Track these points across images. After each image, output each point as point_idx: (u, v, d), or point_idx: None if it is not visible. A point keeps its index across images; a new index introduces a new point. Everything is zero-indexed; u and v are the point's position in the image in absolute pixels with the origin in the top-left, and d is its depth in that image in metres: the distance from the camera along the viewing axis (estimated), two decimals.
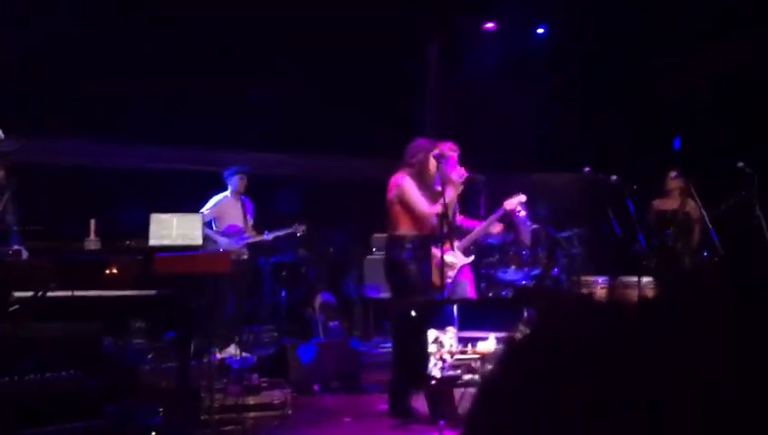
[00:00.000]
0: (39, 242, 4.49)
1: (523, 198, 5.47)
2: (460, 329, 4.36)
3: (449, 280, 5.18)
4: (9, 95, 6.85)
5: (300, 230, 7.19)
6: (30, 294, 3.71)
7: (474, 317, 4.41)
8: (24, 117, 6.54)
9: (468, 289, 5.51)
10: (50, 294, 3.76)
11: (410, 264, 4.91)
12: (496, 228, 5.60)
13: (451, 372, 4.25)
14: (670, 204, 6.59)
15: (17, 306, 3.75)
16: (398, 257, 4.95)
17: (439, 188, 5.11)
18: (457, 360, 4.29)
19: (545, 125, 8.76)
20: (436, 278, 5.00)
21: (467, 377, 4.23)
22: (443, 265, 4.86)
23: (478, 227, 5.49)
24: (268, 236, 7.06)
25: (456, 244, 5.32)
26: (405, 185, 4.97)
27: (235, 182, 7.00)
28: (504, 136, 8.72)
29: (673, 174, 6.56)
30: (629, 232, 5.61)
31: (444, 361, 4.24)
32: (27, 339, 4.17)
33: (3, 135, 4.05)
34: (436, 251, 4.95)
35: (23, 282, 3.62)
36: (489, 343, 4.29)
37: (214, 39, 8.00)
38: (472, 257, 5.52)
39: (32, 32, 6.93)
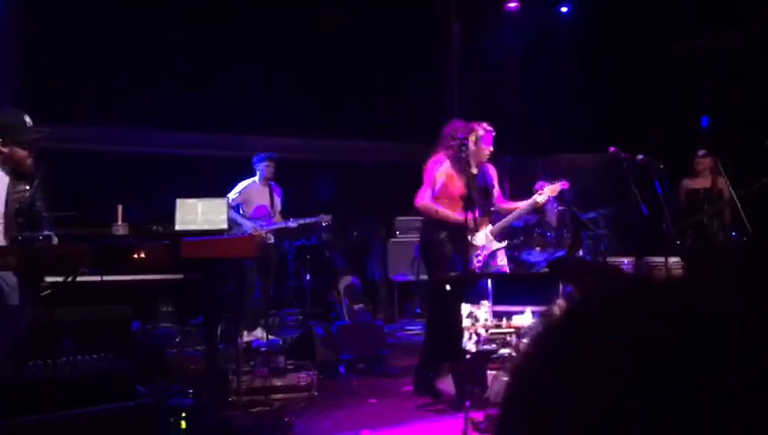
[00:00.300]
0: (69, 228, 4.56)
1: (566, 184, 5.42)
2: (494, 303, 4.35)
3: (479, 262, 5.19)
4: (36, 81, 6.94)
5: (325, 220, 7.19)
6: (61, 278, 3.76)
7: (508, 292, 4.40)
8: (50, 103, 6.64)
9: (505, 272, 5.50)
10: (80, 278, 3.81)
11: (445, 244, 4.95)
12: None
13: (486, 347, 4.23)
14: (700, 183, 6.51)
15: (49, 291, 3.81)
16: (434, 237, 5.00)
17: (475, 171, 5.13)
18: (492, 334, 4.27)
19: (570, 105, 8.66)
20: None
21: (503, 351, 4.22)
22: (466, 247, 4.86)
23: (515, 212, 5.42)
24: (293, 224, 7.09)
25: (490, 227, 5.30)
26: (429, 166, 5.00)
27: (263, 168, 7.02)
28: (529, 116, 8.65)
29: (701, 153, 6.49)
30: (656, 212, 5.55)
31: (479, 335, 4.23)
32: (59, 323, 4.25)
33: (30, 121, 4.10)
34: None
35: (54, 267, 3.67)
36: (525, 317, 4.27)
37: (239, 23, 8.00)
38: (505, 243, 5.46)
39: (59, 17, 6.99)
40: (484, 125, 5.26)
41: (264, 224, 6.99)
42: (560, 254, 6.84)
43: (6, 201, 4.06)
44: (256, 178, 7.07)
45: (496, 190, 5.44)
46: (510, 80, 8.91)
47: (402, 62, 8.80)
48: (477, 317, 4.28)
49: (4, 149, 4.02)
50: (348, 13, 8.29)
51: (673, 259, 6.07)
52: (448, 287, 4.38)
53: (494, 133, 5.29)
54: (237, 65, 8.04)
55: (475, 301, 4.26)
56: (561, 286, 4.19)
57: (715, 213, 6.31)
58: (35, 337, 3.77)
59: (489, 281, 4.49)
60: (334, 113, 8.63)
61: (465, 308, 4.22)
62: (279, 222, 7.10)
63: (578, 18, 8.99)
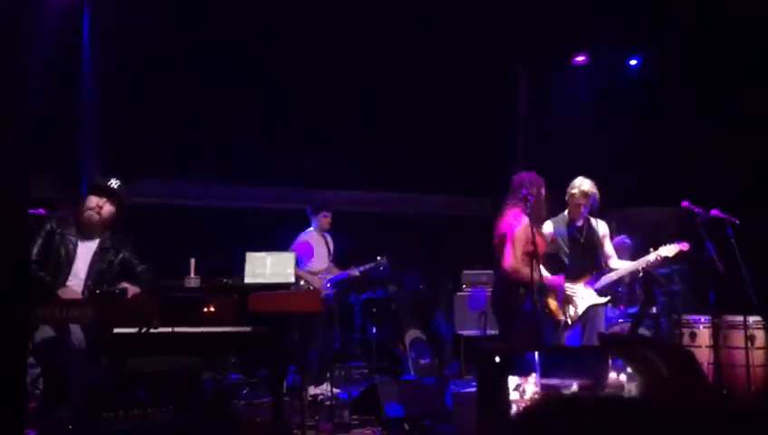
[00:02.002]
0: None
1: (685, 246, 5.31)
2: (543, 376, 4.22)
3: (568, 318, 5.14)
4: (112, 136, 7.29)
5: (383, 264, 7.22)
6: (134, 330, 3.88)
7: (557, 364, 4.26)
8: (125, 158, 6.96)
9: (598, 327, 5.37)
10: (153, 330, 3.92)
11: (524, 309, 4.80)
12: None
13: None
14: None
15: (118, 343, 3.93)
16: (512, 301, 4.87)
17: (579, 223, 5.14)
18: None
19: (640, 158, 8.51)
20: (556, 312, 5.14)
21: None
22: (533, 300, 4.78)
23: (623, 269, 5.42)
24: (356, 271, 7.13)
25: (589, 282, 5.26)
26: (521, 224, 4.86)
27: (320, 218, 7.09)
28: (597, 170, 8.52)
29: None
30: (733, 269, 5.34)
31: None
32: (132, 373, 4.37)
33: (117, 182, 4.39)
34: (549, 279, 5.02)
35: (128, 319, 3.80)
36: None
37: (309, 80, 8.24)
38: (605, 299, 5.40)
39: (133, 72, 7.36)
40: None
41: (325, 276, 7.03)
42: (633, 310, 6.63)
43: (90, 267, 4.29)
44: (312, 229, 7.12)
45: (606, 246, 5.44)
46: (577, 132, 8.83)
47: (469, 115, 8.86)
48: (525, 390, 4.17)
49: (84, 201, 4.29)
50: (414, 65, 8.44)
51: (753, 318, 5.81)
52: (498, 359, 4.29)
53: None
54: (308, 120, 8.25)
55: (522, 372, 4.16)
56: (610, 361, 4.06)
57: None
58: (109, 388, 3.88)
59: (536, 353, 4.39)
60: (401, 166, 8.72)
61: (513, 380, 4.13)
62: (342, 272, 7.13)
63: (647, 71, 8.88)
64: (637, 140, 8.52)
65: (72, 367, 3.77)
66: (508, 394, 4.08)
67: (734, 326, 5.82)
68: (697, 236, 5.46)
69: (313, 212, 7.12)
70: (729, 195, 6.73)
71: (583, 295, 5.28)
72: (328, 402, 5.64)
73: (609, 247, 5.55)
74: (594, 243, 5.42)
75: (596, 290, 5.33)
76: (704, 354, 5.88)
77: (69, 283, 4.21)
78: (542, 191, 5.00)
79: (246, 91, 7.99)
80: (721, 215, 5.46)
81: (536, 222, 4.91)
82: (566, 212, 5.51)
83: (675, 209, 5.88)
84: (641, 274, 6.78)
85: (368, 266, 7.20)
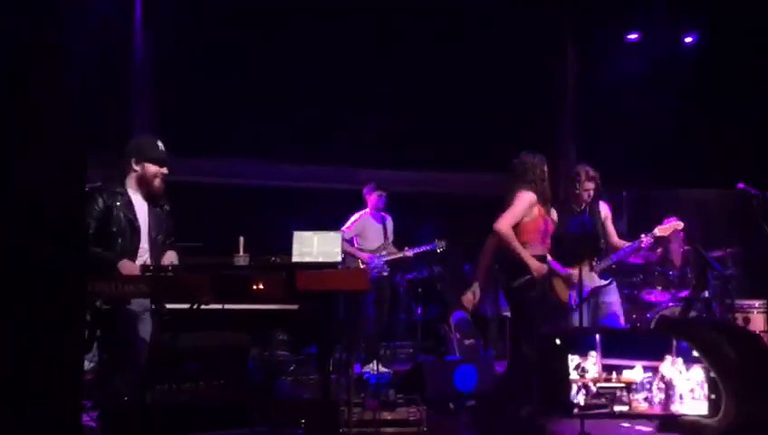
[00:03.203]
0: (195, 257, 4.81)
1: (679, 224, 5.31)
2: (604, 355, 4.19)
3: (572, 301, 5.18)
4: (166, 113, 7.41)
5: (440, 247, 7.23)
6: (186, 306, 3.96)
7: (618, 344, 4.22)
8: (179, 135, 7.07)
9: (613, 311, 5.37)
10: (203, 307, 4.00)
11: (529, 289, 4.81)
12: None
13: (595, 401, 4.08)
14: None
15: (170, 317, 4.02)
16: (516, 282, 4.86)
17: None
18: (601, 388, 4.11)
19: (694, 138, 8.30)
20: (562, 295, 5.19)
21: (617, 408, 4.05)
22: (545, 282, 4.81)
23: (619, 253, 5.41)
24: (410, 253, 7.15)
25: (594, 264, 5.26)
26: (527, 200, 4.88)
27: (375, 199, 7.14)
28: (650, 150, 8.35)
29: None
30: None
31: (587, 388, 4.09)
32: (183, 349, 4.46)
33: (162, 146, 4.34)
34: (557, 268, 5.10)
35: (179, 295, 3.87)
36: (635, 372, 4.09)
37: (353, 57, 8.23)
38: (607, 281, 5.41)
39: (190, 50, 7.45)
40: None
41: (380, 256, 7.07)
42: (683, 294, 6.50)
43: (150, 228, 4.31)
44: (367, 210, 7.18)
45: (608, 228, 5.46)
46: (630, 111, 8.64)
47: (516, 93, 8.74)
48: (586, 369, 4.14)
49: (137, 167, 4.27)
50: (459, 42, 8.36)
51: None
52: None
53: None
54: (354, 101, 8.25)
55: (582, 352, 4.13)
56: (673, 341, 3.99)
57: None
58: (162, 362, 3.98)
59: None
60: (446, 146, 8.67)
61: (573, 360, 4.09)
62: (396, 253, 7.17)
63: (703, 48, 8.62)
64: (692, 119, 8.30)
65: (132, 337, 3.86)
66: (569, 373, 4.07)
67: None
68: (754, 219, 5.32)
69: (369, 192, 7.18)
70: None
71: (587, 279, 5.29)
72: (374, 381, 5.69)
73: (610, 228, 5.54)
74: (596, 227, 5.43)
75: (598, 272, 5.41)
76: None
77: (139, 255, 4.27)
78: (546, 170, 4.94)
79: (297, 68, 8.02)
80: None
81: (543, 202, 4.88)
82: (571, 197, 5.55)
83: (730, 191, 5.73)
84: (692, 257, 6.66)
85: (423, 249, 7.22)
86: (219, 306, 4.22)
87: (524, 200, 4.82)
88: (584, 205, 5.48)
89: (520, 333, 4.85)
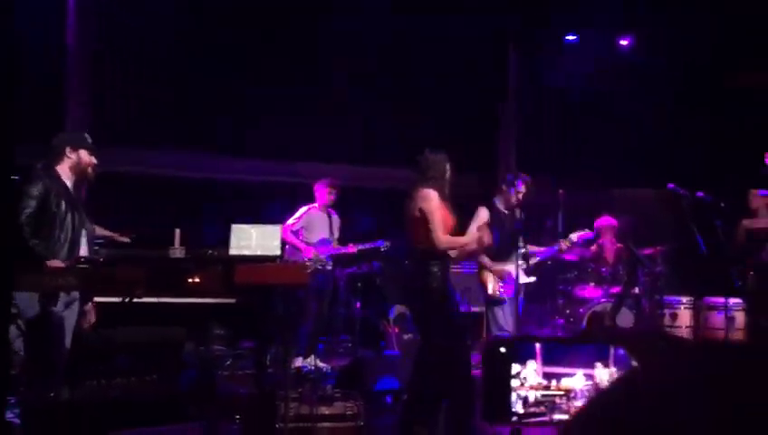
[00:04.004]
0: (128, 250, 4.70)
1: (589, 235, 5.62)
2: (546, 364, 4.20)
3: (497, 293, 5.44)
4: (99, 103, 7.21)
5: (384, 245, 7.26)
6: (119, 299, 3.87)
7: (557, 352, 4.26)
8: (113, 125, 6.90)
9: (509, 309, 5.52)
10: (136, 300, 3.91)
11: (447, 289, 4.88)
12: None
13: (534, 409, 4.11)
14: (762, 223, 6.25)
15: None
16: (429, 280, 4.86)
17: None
18: (542, 396, 4.13)
19: (628, 139, 8.54)
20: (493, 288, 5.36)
21: (555, 416, 4.08)
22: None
23: (540, 253, 5.81)
24: (353, 250, 7.16)
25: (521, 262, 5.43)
26: (438, 202, 4.94)
27: (324, 194, 7.10)
28: (586, 151, 8.56)
29: (758, 192, 6.23)
30: (717, 251, 5.40)
31: (526, 396, 4.11)
32: (115, 342, 4.36)
33: (89, 139, 4.35)
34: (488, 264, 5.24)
35: (112, 288, 3.78)
36: (576, 380, 4.13)
37: (296, 53, 8.17)
38: (532, 278, 5.72)
39: (125, 40, 7.27)
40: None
41: (325, 250, 7.05)
42: (615, 290, 6.68)
43: (87, 228, 4.24)
44: (316, 204, 7.13)
45: None
46: (569, 113, 8.83)
47: (457, 92, 8.82)
48: (525, 377, 4.15)
49: (72, 155, 4.22)
50: (403, 41, 8.39)
51: (733, 300, 5.88)
52: (502, 349, 4.27)
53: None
54: (295, 92, 8.18)
55: (522, 360, 4.16)
56: (611, 349, 4.07)
57: None
58: (90, 357, 3.88)
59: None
60: (388, 142, 8.68)
61: (514, 368, 4.11)
62: (339, 248, 7.15)
63: (638, 51, 8.87)
64: (627, 121, 8.54)
65: (56, 332, 3.75)
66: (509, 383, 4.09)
67: (714, 308, 5.89)
68: (682, 218, 5.50)
69: (320, 187, 7.13)
70: (715, 177, 6.79)
71: (513, 275, 5.48)
72: (312, 375, 5.67)
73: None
74: (520, 229, 5.67)
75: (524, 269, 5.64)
76: (683, 335, 5.96)
77: (80, 247, 4.17)
78: (448, 168, 5.03)
79: (238, 61, 7.91)
80: (706, 197, 5.50)
81: (443, 198, 4.96)
82: (500, 198, 5.79)
83: (661, 191, 5.92)
84: (624, 254, 6.86)
85: (367, 246, 7.22)
86: (154, 300, 4.14)
87: (433, 201, 4.85)
88: (513, 208, 5.72)
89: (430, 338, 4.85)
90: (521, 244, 5.50)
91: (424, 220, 4.79)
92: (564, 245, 5.73)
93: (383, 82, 8.58)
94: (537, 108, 8.91)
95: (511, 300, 5.58)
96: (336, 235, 7.23)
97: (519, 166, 8.95)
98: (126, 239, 4.88)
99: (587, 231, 6.13)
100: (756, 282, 6.09)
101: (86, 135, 4.39)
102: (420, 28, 8.31)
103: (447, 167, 5.00)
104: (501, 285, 5.69)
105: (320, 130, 8.31)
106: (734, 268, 5.39)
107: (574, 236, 5.77)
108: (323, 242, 7.11)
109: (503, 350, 4.19)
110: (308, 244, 6.97)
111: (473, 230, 5.06)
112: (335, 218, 7.22)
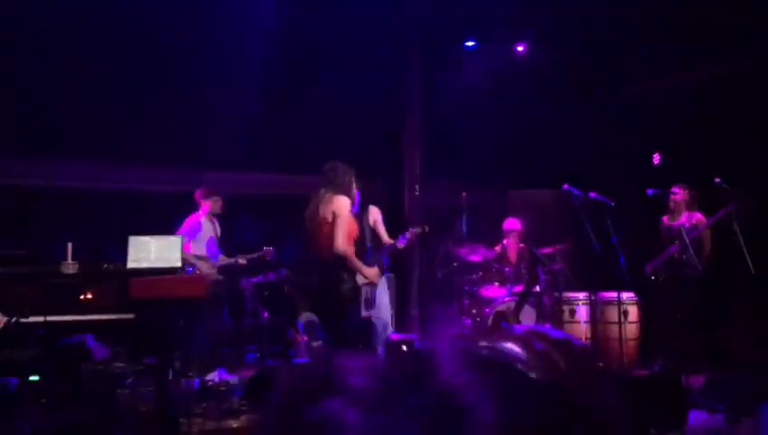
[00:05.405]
0: (15, 267, 4.45)
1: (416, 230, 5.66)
2: None
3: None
4: None
5: (269, 252, 7.25)
6: (4, 319, 3.67)
7: None
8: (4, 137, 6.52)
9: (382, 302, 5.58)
10: (30, 319, 3.72)
11: (354, 293, 5.03)
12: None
13: None
14: (675, 218, 6.53)
15: None
16: (340, 285, 5.04)
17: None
18: None
19: (525, 142, 8.80)
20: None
21: None
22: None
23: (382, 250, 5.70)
24: (243, 260, 7.10)
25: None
26: (347, 209, 5.05)
27: (211, 203, 6.93)
28: (485, 153, 8.76)
29: (676, 189, 6.53)
30: (610, 249, 5.64)
31: None
32: (3, 364, 4.12)
33: None
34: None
35: None
36: None
37: (194, 54, 7.98)
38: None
39: (10, 47, 6.90)
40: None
41: (215, 261, 6.90)
42: (518, 289, 6.87)
43: None
44: (201, 214, 6.94)
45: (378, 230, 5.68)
46: (470, 117, 9.01)
47: (361, 100, 8.83)
48: None
49: None
50: (304, 47, 8.36)
51: (626, 294, 6.16)
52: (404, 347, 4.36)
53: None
54: (186, 98, 7.97)
55: None
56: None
57: (686, 248, 6.29)
58: None
59: None
60: (292, 151, 8.60)
61: None
62: (227, 260, 7.05)
63: (534, 57, 9.16)
64: (523, 124, 8.80)
65: None
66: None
67: (609, 302, 6.15)
68: (578, 218, 5.72)
69: (204, 196, 6.94)
70: (611, 177, 7.09)
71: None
72: (220, 389, 5.54)
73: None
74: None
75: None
76: (582, 329, 6.19)
77: None
78: (353, 176, 5.19)
79: (129, 62, 7.63)
80: (598, 197, 5.73)
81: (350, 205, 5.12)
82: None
83: (556, 192, 6.14)
84: (526, 254, 7.07)
85: (254, 256, 7.18)
86: (41, 319, 3.94)
87: (345, 209, 4.96)
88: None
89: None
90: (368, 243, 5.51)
91: (335, 225, 4.86)
92: (401, 240, 5.66)
93: (270, 83, 8.49)
94: (440, 112, 9.05)
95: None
96: (219, 241, 7.10)
97: (423, 170, 9.09)
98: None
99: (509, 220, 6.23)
100: (665, 278, 6.40)
101: None
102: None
103: (353, 175, 5.12)
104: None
105: (219, 137, 8.14)
106: (619, 266, 5.61)
107: (408, 233, 5.66)
108: (213, 252, 6.98)
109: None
110: (199, 257, 6.77)
111: (385, 238, 5.27)
112: (217, 225, 7.07)
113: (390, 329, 5.54)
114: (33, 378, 4.26)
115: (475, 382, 0.49)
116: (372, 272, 5.05)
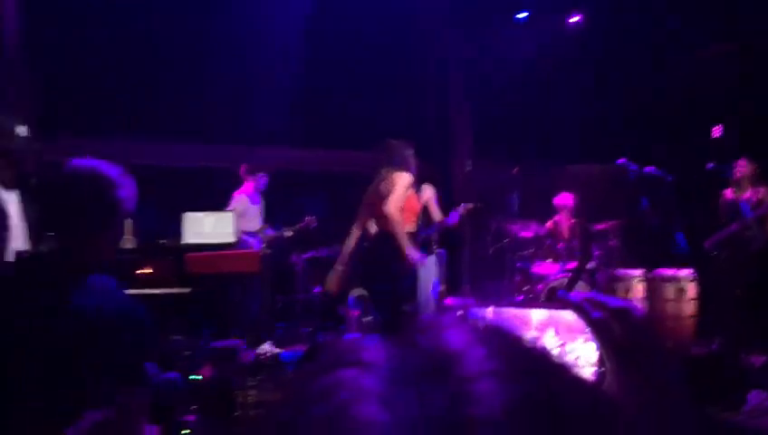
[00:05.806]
0: None
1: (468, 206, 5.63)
2: None
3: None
4: (43, 93, 6.99)
5: (312, 222, 7.25)
6: None
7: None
8: (59, 115, 6.69)
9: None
10: None
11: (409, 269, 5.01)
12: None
13: None
14: (739, 193, 6.31)
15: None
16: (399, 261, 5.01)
17: None
18: None
19: (580, 116, 8.62)
20: None
21: None
22: None
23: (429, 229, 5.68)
24: (288, 233, 7.13)
25: None
26: (407, 182, 5.05)
27: (256, 179, 6.99)
28: (539, 127, 8.62)
29: (741, 162, 6.31)
30: (668, 224, 5.51)
31: None
32: None
33: (25, 131, 4.02)
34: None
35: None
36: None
37: (238, 35, 8.03)
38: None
39: (64, 30, 7.05)
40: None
41: (260, 238, 6.98)
42: (571, 265, 6.77)
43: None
44: (246, 190, 7.00)
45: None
46: (520, 91, 8.87)
47: (407, 73, 8.77)
48: None
49: None
50: (346, 23, 8.32)
51: (684, 272, 6.01)
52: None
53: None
54: (238, 76, 8.04)
55: None
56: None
57: (753, 223, 6.07)
58: None
59: None
60: (337, 126, 8.61)
61: None
62: (273, 233, 7.12)
63: (589, 28, 8.94)
64: (578, 97, 8.61)
65: None
66: None
67: (666, 279, 6.00)
68: (633, 193, 5.59)
69: (248, 172, 6.99)
70: (667, 151, 6.90)
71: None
72: (273, 362, 5.64)
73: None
74: None
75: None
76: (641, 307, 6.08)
77: (12, 245, 4.01)
78: (412, 154, 5.18)
79: (179, 44, 7.73)
80: (654, 172, 5.59)
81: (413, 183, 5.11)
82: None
83: (612, 166, 6.00)
84: (579, 230, 6.96)
85: (297, 227, 7.21)
86: None
87: (405, 181, 4.97)
88: None
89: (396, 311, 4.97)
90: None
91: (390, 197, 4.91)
92: (452, 217, 5.63)
93: (325, 66, 8.49)
94: (487, 89, 8.93)
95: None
96: (263, 217, 7.17)
97: (475, 146, 9.01)
98: None
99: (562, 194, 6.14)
100: (729, 253, 6.21)
101: (15, 127, 3.93)
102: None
103: (412, 153, 5.13)
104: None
105: (265, 114, 8.19)
106: (676, 242, 5.47)
107: (462, 209, 5.69)
108: (258, 229, 7.04)
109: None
110: (245, 232, 6.86)
111: (437, 216, 5.40)
112: (262, 202, 7.14)
113: (432, 307, 5.55)
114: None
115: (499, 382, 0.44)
116: (413, 252, 5.05)
